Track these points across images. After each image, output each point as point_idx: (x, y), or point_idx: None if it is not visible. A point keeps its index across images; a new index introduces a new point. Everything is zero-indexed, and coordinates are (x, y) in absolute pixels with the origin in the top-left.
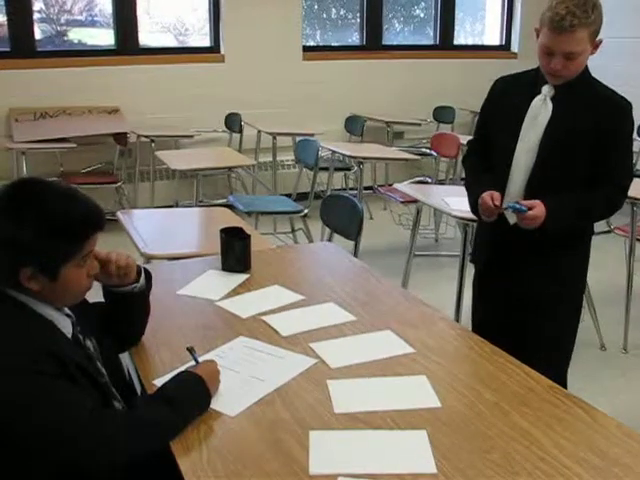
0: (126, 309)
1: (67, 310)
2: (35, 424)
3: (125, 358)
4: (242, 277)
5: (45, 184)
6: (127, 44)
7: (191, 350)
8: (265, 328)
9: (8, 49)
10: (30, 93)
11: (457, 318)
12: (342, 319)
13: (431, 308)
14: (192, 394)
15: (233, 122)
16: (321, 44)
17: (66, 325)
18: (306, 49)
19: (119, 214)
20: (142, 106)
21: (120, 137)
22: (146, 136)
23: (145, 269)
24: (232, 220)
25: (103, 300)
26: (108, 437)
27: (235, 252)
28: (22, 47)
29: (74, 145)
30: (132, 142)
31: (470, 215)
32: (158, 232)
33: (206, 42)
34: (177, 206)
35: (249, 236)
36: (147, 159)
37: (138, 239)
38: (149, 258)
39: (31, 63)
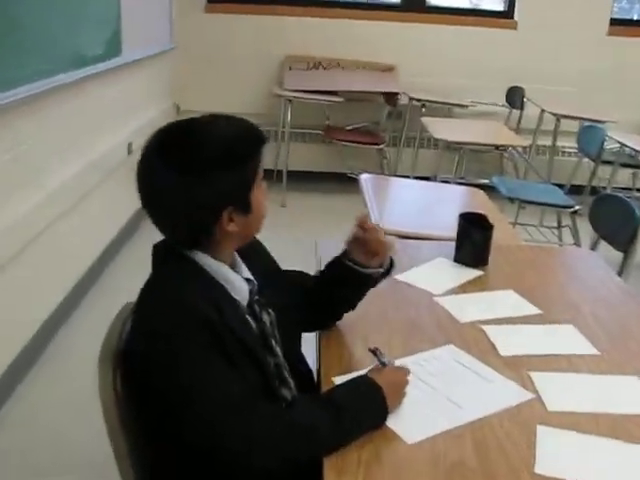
0: (346, 290)
1: (248, 274)
2: (171, 397)
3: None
4: (474, 273)
5: (191, 121)
6: (415, 2)
7: (375, 352)
8: (482, 340)
9: None
10: (308, 42)
11: None
12: (580, 349)
13: None
14: (365, 406)
15: (515, 97)
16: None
17: (242, 291)
18: (614, 22)
19: (361, 178)
20: (418, 67)
21: (391, 97)
22: (418, 100)
23: (391, 258)
24: (485, 205)
25: (285, 268)
26: (250, 433)
27: (472, 243)
28: None
29: (342, 100)
30: (402, 104)
31: None
32: (399, 204)
33: (499, 6)
34: (435, 179)
35: (492, 227)
36: (415, 124)
37: (373, 207)
38: None
39: (311, 12)
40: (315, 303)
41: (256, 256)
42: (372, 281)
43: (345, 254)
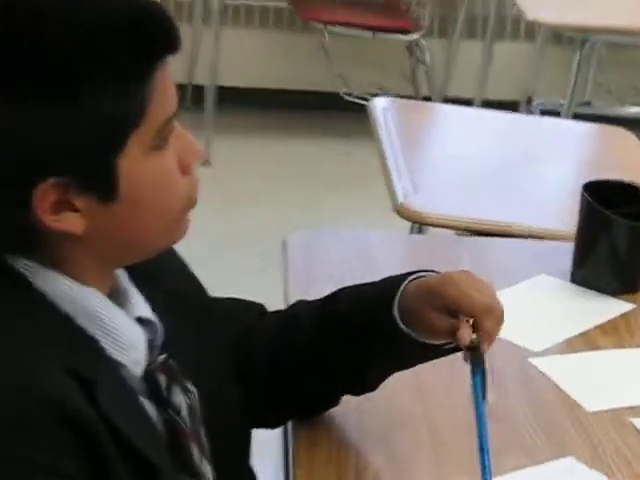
0: (369, 356)
1: (146, 310)
2: None
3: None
4: (617, 307)
5: None
6: None
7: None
8: (636, 449)
9: None
10: None
11: None
12: None
13: None
14: None
15: None
16: None
17: (135, 346)
18: None
19: (373, 104)
20: None
21: None
22: None
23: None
24: (637, 162)
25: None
26: None
27: (611, 245)
28: None
29: None
30: None
31: None
32: (453, 162)
33: None
34: (528, 107)
35: None
36: None
37: (399, 175)
38: (412, 220)
39: None
40: (290, 370)
41: (163, 273)
42: (427, 355)
43: (390, 290)
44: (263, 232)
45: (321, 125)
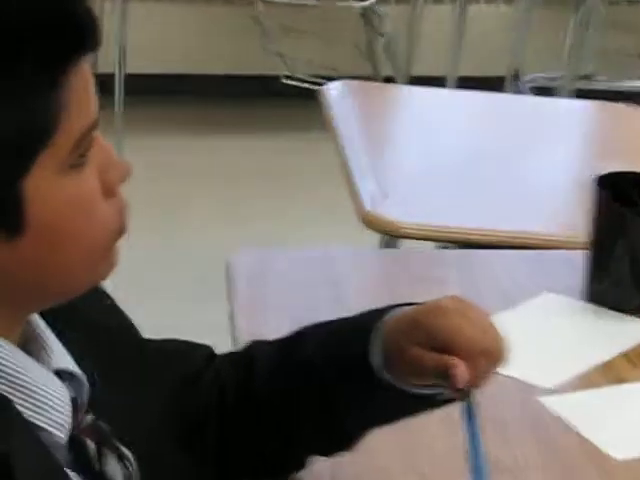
0: (347, 408)
1: (68, 361)
2: None
3: None
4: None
5: None
6: None
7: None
8: None
9: None
10: None
11: None
12: None
13: None
14: None
15: None
16: None
17: (57, 405)
18: None
19: (326, 90)
20: None
21: None
22: None
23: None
24: None
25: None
26: None
27: (633, 251)
28: None
29: None
30: None
31: None
32: (429, 158)
33: None
34: (515, 84)
35: None
36: None
37: (363, 176)
38: (383, 232)
39: None
40: (245, 426)
41: (88, 312)
42: (413, 408)
43: (365, 330)
44: (194, 253)
45: (258, 117)
